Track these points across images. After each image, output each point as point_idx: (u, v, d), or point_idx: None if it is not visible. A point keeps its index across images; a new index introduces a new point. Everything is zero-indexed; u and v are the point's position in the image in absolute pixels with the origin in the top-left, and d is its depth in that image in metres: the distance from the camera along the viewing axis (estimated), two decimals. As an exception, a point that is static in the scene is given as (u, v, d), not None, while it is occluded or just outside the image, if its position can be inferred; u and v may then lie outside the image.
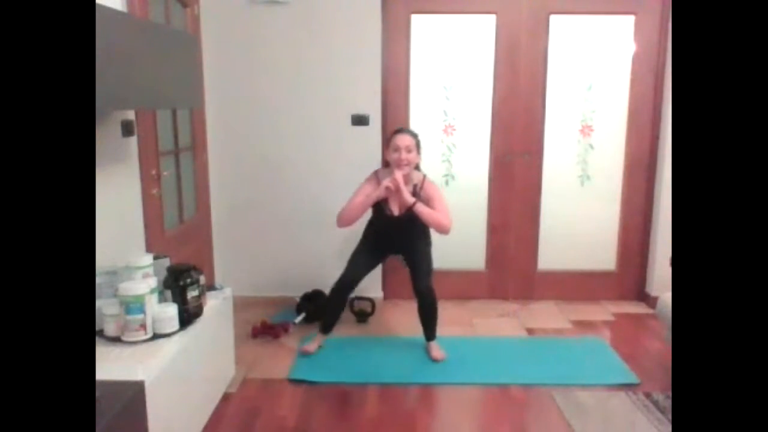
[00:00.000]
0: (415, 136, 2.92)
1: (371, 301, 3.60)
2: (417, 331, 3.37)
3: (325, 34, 3.56)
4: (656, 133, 3.72)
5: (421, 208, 2.80)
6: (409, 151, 2.83)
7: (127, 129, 2.49)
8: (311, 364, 2.93)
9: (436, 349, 3.02)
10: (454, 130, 3.77)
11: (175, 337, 2.04)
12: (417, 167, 2.96)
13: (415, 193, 2.87)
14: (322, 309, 3.22)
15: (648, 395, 2.62)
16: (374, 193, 2.85)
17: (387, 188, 2.78)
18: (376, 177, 2.98)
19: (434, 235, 3.85)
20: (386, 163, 3.01)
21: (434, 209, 2.84)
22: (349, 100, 3.63)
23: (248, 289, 3.75)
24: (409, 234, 2.94)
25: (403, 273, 3.91)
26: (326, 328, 3.08)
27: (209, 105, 3.59)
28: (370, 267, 3.07)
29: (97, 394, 1.43)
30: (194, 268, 2.25)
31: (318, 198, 3.74)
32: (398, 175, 2.78)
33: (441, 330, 3.39)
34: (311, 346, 3.02)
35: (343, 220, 2.92)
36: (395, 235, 2.91)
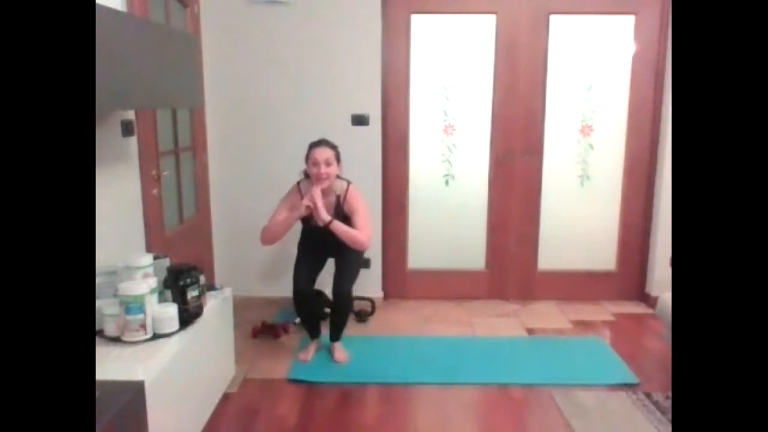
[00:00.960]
0: (334, 147, 2.86)
1: (371, 301, 3.60)
2: (417, 331, 3.38)
3: (326, 34, 3.56)
4: (656, 133, 3.72)
5: (336, 227, 2.75)
6: (328, 164, 2.77)
7: (127, 129, 2.49)
8: (311, 364, 2.93)
9: (340, 351, 3.01)
10: (454, 130, 3.77)
11: (175, 337, 2.04)
12: (339, 176, 2.90)
13: (338, 205, 2.85)
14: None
15: (648, 395, 2.62)
16: (295, 213, 2.80)
17: (307, 207, 2.74)
18: (298, 189, 2.93)
19: (434, 235, 3.88)
20: (306, 173, 2.94)
21: (355, 223, 2.80)
22: (349, 100, 3.63)
23: (248, 289, 3.74)
24: (336, 240, 2.84)
25: (403, 273, 3.93)
26: (313, 334, 3.07)
27: (209, 105, 3.59)
28: (316, 271, 3.05)
29: (97, 394, 1.43)
30: (194, 268, 2.25)
31: (318, 198, 3.73)
32: (316, 192, 2.73)
33: (441, 330, 3.41)
34: (307, 355, 3.01)
35: (267, 239, 2.88)
36: (326, 241, 2.83)
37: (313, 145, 2.85)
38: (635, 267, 3.89)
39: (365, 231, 2.81)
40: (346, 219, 2.83)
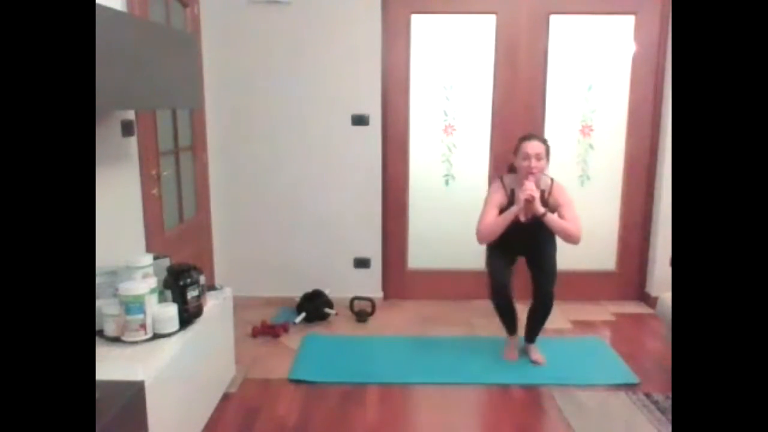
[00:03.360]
0: (544, 141, 2.81)
1: (371, 301, 3.60)
2: (417, 331, 3.38)
3: (325, 34, 3.56)
4: (656, 133, 3.72)
5: (550, 220, 2.72)
6: (539, 159, 2.73)
7: (127, 129, 2.49)
8: (311, 364, 2.93)
9: (536, 352, 2.98)
10: (454, 130, 3.77)
11: (175, 337, 2.04)
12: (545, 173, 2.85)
13: (543, 200, 2.79)
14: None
15: (648, 395, 2.62)
16: (513, 210, 2.75)
17: (525, 200, 2.69)
18: (502, 185, 2.89)
19: (434, 235, 3.88)
20: (509, 168, 2.91)
21: (564, 216, 2.76)
22: (349, 100, 3.63)
23: (248, 289, 3.74)
24: (536, 238, 2.84)
25: (403, 273, 3.93)
26: (511, 330, 3.02)
27: (209, 105, 3.59)
28: (510, 266, 2.99)
29: (97, 394, 1.43)
30: (194, 268, 2.25)
31: (318, 197, 3.74)
32: (530, 185, 2.69)
33: (441, 330, 3.40)
34: (514, 354, 2.98)
35: (484, 239, 2.87)
36: (523, 239, 2.81)
37: (525, 139, 2.80)
38: (635, 267, 3.89)
39: (577, 223, 2.76)
40: (552, 213, 2.78)
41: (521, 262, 3.00)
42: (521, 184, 2.75)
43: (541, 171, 2.77)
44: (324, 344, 3.18)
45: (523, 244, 2.87)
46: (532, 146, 2.75)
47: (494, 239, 2.85)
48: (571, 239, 2.77)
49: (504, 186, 2.89)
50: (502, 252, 2.97)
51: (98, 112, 2.03)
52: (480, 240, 2.88)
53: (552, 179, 2.87)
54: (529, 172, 2.73)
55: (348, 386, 2.72)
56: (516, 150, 2.83)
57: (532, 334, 3.00)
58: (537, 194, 2.70)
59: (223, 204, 3.74)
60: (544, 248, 2.88)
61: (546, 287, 2.88)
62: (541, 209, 2.71)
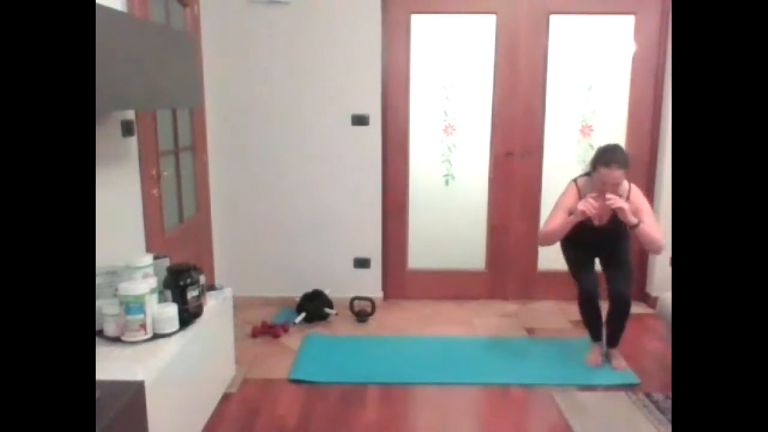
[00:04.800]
0: (624, 164, 2.65)
1: (371, 301, 3.60)
2: (417, 331, 3.38)
3: (325, 34, 3.56)
4: (656, 133, 3.72)
5: (642, 230, 2.64)
6: (616, 186, 2.65)
7: (127, 129, 2.49)
8: (311, 364, 2.93)
9: (618, 358, 2.92)
10: (454, 130, 3.77)
11: (175, 337, 2.04)
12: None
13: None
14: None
15: (648, 395, 2.62)
16: (572, 218, 2.70)
17: (582, 212, 2.64)
18: (576, 188, 2.82)
19: (434, 235, 3.88)
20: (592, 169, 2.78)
21: (641, 221, 2.68)
22: (349, 100, 3.63)
23: (248, 289, 3.74)
24: (612, 239, 2.80)
25: (403, 273, 3.93)
26: (596, 336, 2.97)
27: (209, 105, 3.59)
28: (593, 269, 2.94)
29: (97, 394, 1.43)
30: (194, 268, 2.25)
31: (318, 197, 3.74)
32: (593, 203, 2.62)
33: (441, 330, 3.40)
34: (597, 358, 2.93)
35: (546, 242, 2.86)
36: (598, 240, 2.78)
37: (607, 163, 2.62)
38: (635, 267, 3.88)
39: (658, 230, 2.71)
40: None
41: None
42: (597, 191, 2.66)
43: (616, 189, 2.68)
44: (324, 344, 3.18)
45: (599, 246, 2.83)
46: (614, 176, 2.61)
47: (556, 242, 2.82)
48: (655, 247, 2.70)
49: (578, 189, 2.81)
50: (580, 255, 2.92)
51: (98, 112, 2.02)
52: (540, 243, 2.89)
53: (630, 184, 2.79)
54: (603, 194, 2.64)
55: (348, 386, 2.72)
56: (594, 164, 2.70)
57: (613, 339, 2.93)
58: (626, 205, 2.63)
59: (223, 204, 3.74)
60: (619, 250, 2.84)
61: (622, 291, 2.81)
62: (633, 220, 2.63)
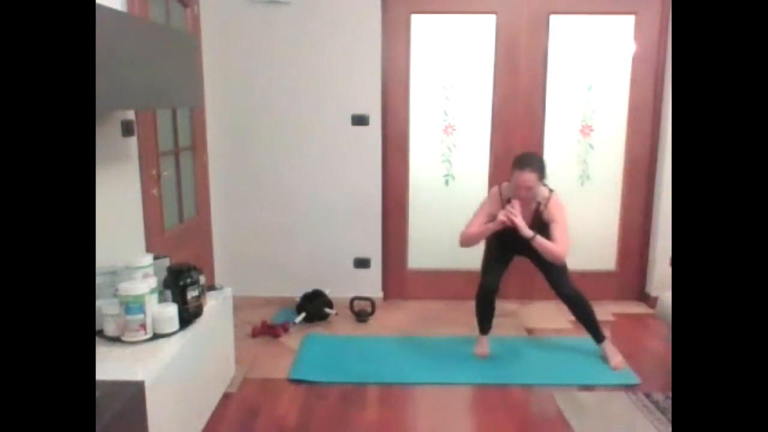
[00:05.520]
0: (538, 168, 2.78)
1: (371, 301, 3.60)
2: (417, 331, 3.38)
3: (325, 34, 3.56)
4: (656, 133, 3.72)
5: (537, 243, 2.75)
6: (529, 191, 2.76)
7: (127, 129, 2.49)
8: (311, 364, 2.93)
9: (614, 354, 2.92)
10: (454, 130, 3.77)
11: (175, 337, 2.04)
12: (542, 183, 2.87)
13: (537, 212, 2.83)
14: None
15: (648, 395, 2.62)
16: (491, 225, 2.82)
17: (502, 222, 2.76)
18: (499, 192, 2.93)
19: (434, 235, 3.88)
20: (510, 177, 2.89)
21: (553, 232, 2.78)
22: (349, 100, 3.63)
23: (248, 289, 3.74)
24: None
25: (403, 273, 3.93)
26: (484, 330, 3.07)
27: (209, 105, 3.59)
28: (503, 270, 3.04)
29: (97, 394, 1.43)
30: (194, 268, 2.25)
31: (318, 197, 3.74)
32: (512, 215, 2.73)
33: (441, 330, 3.40)
34: (484, 349, 3.02)
35: (465, 245, 2.95)
36: (521, 242, 2.82)
37: (520, 166, 2.77)
38: (635, 267, 3.89)
39: (563, 244, 2.78)
40: (544, 227, 2.81)
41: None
42: (513, 195, 2.80)
43: (530, 194, 2.79)
44: (324, 344, 3.18)
45: (525, 248, 2.86)
46: (524, 178, 2.75)
47: (475, 244, 2.93)
48: (555, 259, 2.80)
49: (501, 195, 2.92)
50: (501, 251, 3.00)
51: (98, 112, 2.03)
52: (460, 244, 2.96)
53: (551, 191, 2.88)
54: (517, 196, 2.79)
55: (348, 386, 2.72)
56: (512, 169, 2.83)
57: (593, 334, 2.98)
58: (518, 220, 2.74)
59: (223, 204, 3.74)
60: None
61: (564, 290, 2.90)
62: (528, 233, 2.75)
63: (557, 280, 2.91)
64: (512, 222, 2.74)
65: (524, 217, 2.80)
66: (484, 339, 3.07)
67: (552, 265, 2.88)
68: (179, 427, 2.08)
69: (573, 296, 2.91)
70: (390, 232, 3.84)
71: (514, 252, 3.01)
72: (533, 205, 2.84)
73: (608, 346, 2.95)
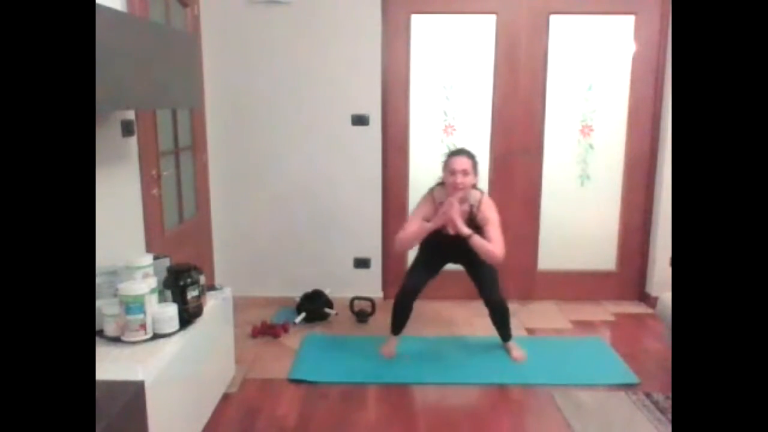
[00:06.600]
0: (472, 157, 2.84)
1: (371, 301, 3.60)
2: (416, 331, 3.37)
3: (325, 34, 3.56)
4: (656, 133, 3.72)
5: (474, 242, 2.74)
6: (465, 174, 2.77)
7: (127, 129, 2.49)
8: (311, 364, 2.93)
9: (516, 349, 3.01)
10: (454, 130, 3.77)
11: (175, 337, 2.04)
12: (474, 186, 2.89)
13: (471, 214, 2.83)
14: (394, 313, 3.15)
15: (648, 395, 2.62)
16: (429, 225, 2.81)
17: (441, 218, 2.76)
18: (431, 197, 2.92)
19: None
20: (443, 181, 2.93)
21: (487, 233, 2.78)
22: (349, 100, 3.63)
23: (248, 289, 3.75)
24: (468, 247, 2.83)
25: (403, 273, 3.92)
26: (396, 330, 3.06)
27: (209, 105, 3.59)
28: (430, 277, 3.04)
29: (97, 394, 1.43)
30: (194, 268, 2.25)
31: (318, 197, 3.74)
32: (453, 210, 2.73)
33: (441, 329, 3.40)
34: (390, 350, 3.02)
35: (401, 248, 2.96)
36: (454, 248, 2.84)
37: (452, 154, 2.85)
38: (635, 267, 3.89)
39: (499, 244, 2.77)
40: (478, 229, 2.80)
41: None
42: (449, 194, 2.80)
43: (467, 187, 2.80)
44: (324, 344, 3.18)
45: (458, 252, 2.89)
46: (458, 162, 2.77)
47: (410, 248, 2.95)
48: (493, 260, 2.80)
49: (434, 198, 2.91)
50: (431, 258, 3.01)
51: (98, 112, 2.03)
52: (396, 248, 2.98)
53: (483, 193, 2.91)
54: (455, 188, 2.77)
55: (348, 386, 2.72)
56: (444, 165, 2.85)
57: (503, 336, 3.05)
58: (456, 215, 2.73)
59: (223, 204, 3.74)
60: (477, 257, 2.86)
61: (490, 296, 2.92)
62: (465, 231, 2.75)
63: (489, 287, 2.92)
64: (451, 218, 2.72)
65: (456, 230, 2.79)
66: (394, 339, 3.05)
67: (485, 273, 2.91)
68: (179, 427, 2.08)
69: (500, 303, 2.94)
70: (390, 232, 3.83)
71: (447, 259, 3.03)
72: (466, 208, 2.84)
73: (512, 343, 3.04)
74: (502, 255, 2.78)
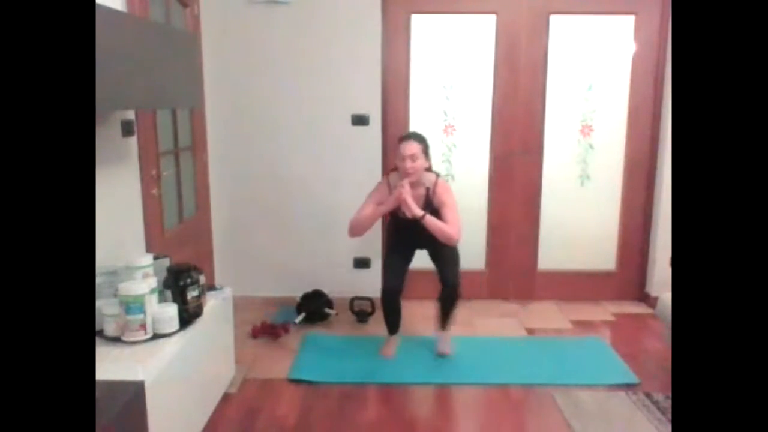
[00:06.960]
0: (422, 141, 2.86)
1: (371, 301, 3.60)
2: (417, 331, 3.38)
3: (325, 34, 3.56)
4: (656, 133, 3.72)
5: (428, 222, 2.76)
6: (414, 159, 2.79)
7: (127, 129, 2.49)
8: (311, 364, 2.93)
9: (445, 343, 3.02)
10: (454, 130, 3.77)
11: (175, 337, 2.04)
12: (429, 169, 2.91)
13: (427, 197, 2.85)
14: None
15: (648, 395, 2.62)
16: (383, 207, 2.85)
17: (395, 200, 2.78)
18: (387, 182, 2.96)
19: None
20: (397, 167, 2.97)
21: (444, 215, 2.80)
22: (349, 100, 3.63)
23: (248, 289, 3.74)
24: (429, 231, 2.85)
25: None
26: (392, 330, 3.08)
27: (209, 105, 3.59)
28: (405, 267, 3.05)
29: (97, 394, 1.43)
30: (194, 268, 2.25)
31: (318, 197, 3.74)
32: (404, 190, 2.75)
33: (441, 330, 3.40)
34: (390, 351, 3.03)
35: (354, 231, 2.94)
36: (417, 233, 2.85)
37: (401, 140, 2.87)
38: (635, 267, 3.89)
39: (455, 225, 2.80)
40: (435, 212, 2.83)
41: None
42: (403, 174, 2.82)
43: (418, 171, 2.82)
44: (324, 344, 3.18)
45: (421, 238, 2.88)
46: (408, 147, 2.80)
47: (364, 232, 2.94)
48: (450, 241, 2.81)
49: (389, 184, 2.94)
50: (400, 247, 3.03)
51: (98, 112, 2.03)
52: (350, 233, 2.96)
53: (438, 176, 2.93)
54: (406, 173, 2.79)
55: (348, 386, 2.72)
56: (396, 150, 2.88)
57: (443, 322, 3.04)
58: (409, 197, 2.75)
59: (223, 204, 3.74)
60: (438, 241, 2.87)
61: (450, 280, 2.92)
62: (418, 212, 2.76)
63: (448, 269, 2.93)
64: (403, 199, 2.74)
65: (417, 203, 2.81)
66: (393, 339, 3.07)
67: (445, 255, 2.92)
68: (179, 427, 2.08)
69: (454, 288, 2.94)
70: (390, 232, 3.84)
71: (413, 246, 3.04)
72: (422, 191, 2.86)
73: (447, 335, 3.05)
74: (458, 236, 2.81)
